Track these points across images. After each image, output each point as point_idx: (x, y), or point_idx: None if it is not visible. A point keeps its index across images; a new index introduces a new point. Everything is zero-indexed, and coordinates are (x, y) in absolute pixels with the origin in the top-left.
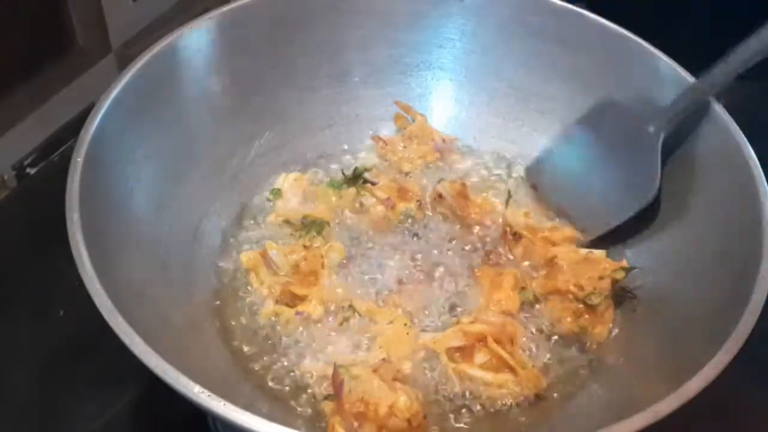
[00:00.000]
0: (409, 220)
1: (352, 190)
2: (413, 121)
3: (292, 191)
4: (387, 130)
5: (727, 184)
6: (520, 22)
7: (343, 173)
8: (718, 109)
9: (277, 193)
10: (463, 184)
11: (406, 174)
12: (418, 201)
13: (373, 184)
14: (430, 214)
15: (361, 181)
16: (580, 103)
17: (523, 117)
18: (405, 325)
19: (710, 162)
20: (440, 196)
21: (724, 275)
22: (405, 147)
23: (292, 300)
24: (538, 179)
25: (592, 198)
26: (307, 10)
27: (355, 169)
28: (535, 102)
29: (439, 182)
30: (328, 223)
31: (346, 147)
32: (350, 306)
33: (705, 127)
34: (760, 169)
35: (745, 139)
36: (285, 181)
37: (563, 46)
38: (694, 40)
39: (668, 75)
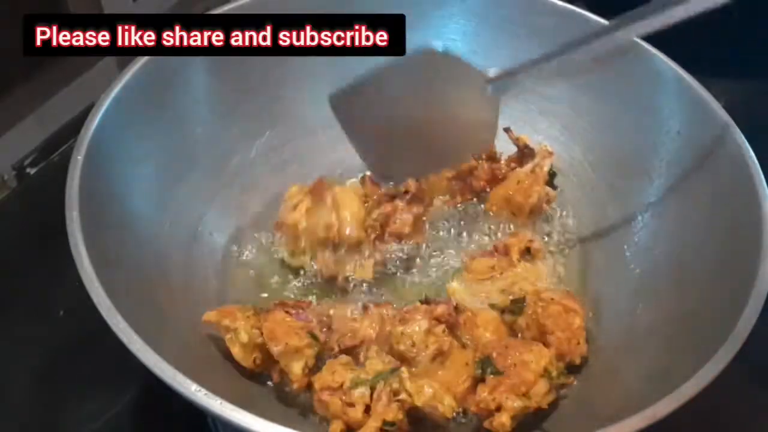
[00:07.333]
0: None
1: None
2: None
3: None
4: None
5: (727, 184)
6: (521, 23)
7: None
8: (718, 109)
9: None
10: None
11: None
12: None
13: None
14: None
15: None
16: (581, 103)
17: (524, 118)
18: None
19: (710, 162)
20: None
21: (724, 275)
22: None
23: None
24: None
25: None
26: (307, 10)
27: None
28: (535, 103)
29: None
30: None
31: (346, 148)
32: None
33: (705, 128)
34: (760, 169)
35: (745, 139)
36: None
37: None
38: (693, 40)
39: (668, 75)
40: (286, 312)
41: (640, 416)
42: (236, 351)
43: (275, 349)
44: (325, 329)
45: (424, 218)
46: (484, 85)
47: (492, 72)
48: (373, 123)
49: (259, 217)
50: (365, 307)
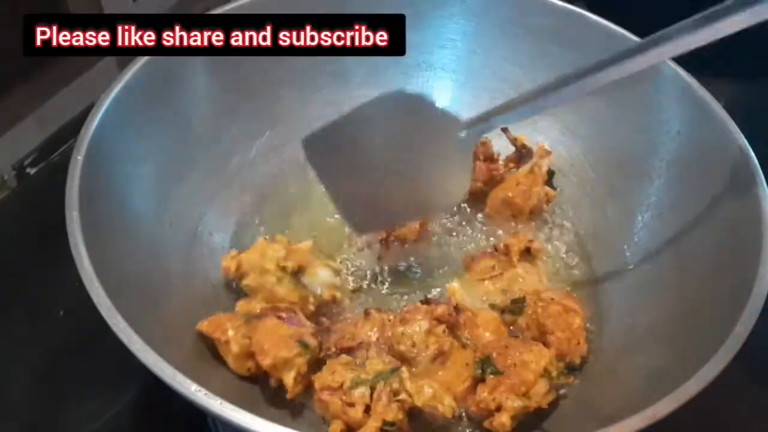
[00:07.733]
0: None
1: None
2: None
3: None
4: None
5: (727, 184)
6: (521, 23)
7: None
8: (719, 109)
9: None
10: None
11: None
12: None
13: None
14: None
15: None
16: (581, 103)
17: None
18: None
19: (710, 162)
20: None
21: (724, 275)
22: None
23: None
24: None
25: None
26: (307, 10)
27: None
28: None
29: None
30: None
31: None
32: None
33: (705, 127)
34: (760, 169)
35: (745, 139)
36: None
37: (564, 46)
38: None
39: (668, 75)
40: (278, 317)
41: (640, 416)
42: (230, 361)
43: (264, 363)
44: (325, 328)
45: (429, 227)
46: (458, 129)
47: (465, 118)
48: (346, 169)
49: (258, 218)
50: (367, 313)
